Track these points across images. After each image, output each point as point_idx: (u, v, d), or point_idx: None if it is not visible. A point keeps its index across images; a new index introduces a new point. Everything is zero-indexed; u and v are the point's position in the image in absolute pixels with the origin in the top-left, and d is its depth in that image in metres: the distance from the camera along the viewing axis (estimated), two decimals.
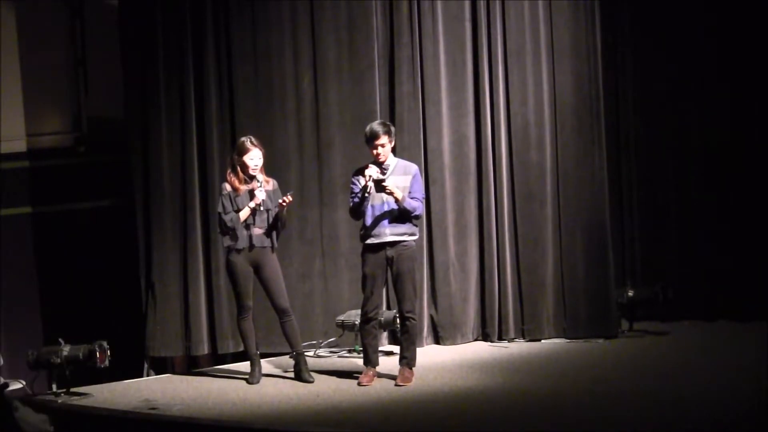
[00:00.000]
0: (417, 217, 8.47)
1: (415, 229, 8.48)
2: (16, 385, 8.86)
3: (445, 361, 9.27)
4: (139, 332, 10.18)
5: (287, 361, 9.04)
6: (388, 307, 9.65)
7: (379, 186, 8.24)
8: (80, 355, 8.60)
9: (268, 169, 8.87)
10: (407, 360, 8.46)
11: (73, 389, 8.60)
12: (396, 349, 9.00)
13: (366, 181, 8.27)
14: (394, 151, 8.60)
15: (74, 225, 11.23)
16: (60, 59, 11.39)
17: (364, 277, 8.45)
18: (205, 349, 10.07)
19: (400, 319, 8.55)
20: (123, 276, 10.65)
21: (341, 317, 9.59)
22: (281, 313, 8.64)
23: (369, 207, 8.36)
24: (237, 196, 8.56)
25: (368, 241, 8.40)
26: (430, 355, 9.54)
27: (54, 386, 8.64)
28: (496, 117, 10.06)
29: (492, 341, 10.01)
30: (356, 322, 9.03)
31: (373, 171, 8.30)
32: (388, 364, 8.80)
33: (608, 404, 7.60)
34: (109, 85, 10.88)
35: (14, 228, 11.10)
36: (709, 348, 9.43)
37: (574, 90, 10.02)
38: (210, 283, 10.07)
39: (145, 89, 10.19)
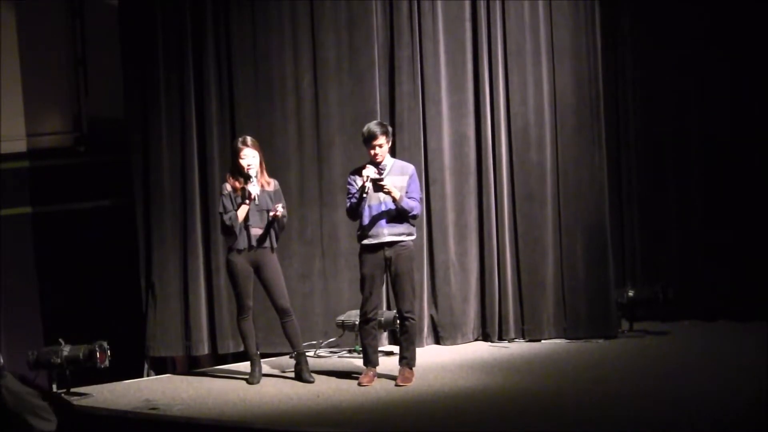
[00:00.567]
0: (414, 217, 8.48)
1: (413, 229, 8.48)
2: None
3: (445, 361, 9.27)
4: (139, 332, 10.17)
5: (287, 361, 9.04)
6: (388, 308, 9.65)
7: (378, 186, 8.24)
8: (80, 355, 8.60)
9: (268, 169, 8.87)
10: (407, 360, 8.47)
11: (73, 389, 8.61)
12: (396, 349, 9.00)
13: (364, 182, 8.28)
14: (393, 151, 8.60)
15: (74, 225, 11.22)
16: (60, 59, 11.37)
17: (363, 278, 8.45)
18: (205, 349, 10.07)
19: (399, 319, 8.56)
20: (123, 276, 10.65)
21: (341, 317, 9.59)
22: (282, 313, 8.64)
23: (366, 207, 8.36)
24: (237, 196, 8.56)
25: (366, 242, 8.41)
26: (430, 355, 9.54)
27: (54, 386, 8.65)
28: (496, 117, 10.06)
29: (492, 341, 10.01)
30: (356, 323, 9.03)
31: (370, 171, 8.31)
32: (388, 364, 8.81)
33: (608, 404, 7.60)
34: (109, 85, 10.88)
35: (14, 228, 11.10)
36: (709, 348, 9.43)
37: (574, 90, 10.02)
38: (210, 283, 10.07)
39: (145, 89, 10.19)
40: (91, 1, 11.40)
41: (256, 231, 8.56)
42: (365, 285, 8.43)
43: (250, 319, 8.73)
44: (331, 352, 9.75)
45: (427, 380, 8.51)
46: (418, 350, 8.69)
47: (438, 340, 10.04)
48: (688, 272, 10.53)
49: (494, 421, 7.33)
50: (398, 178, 8.39)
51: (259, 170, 8.60)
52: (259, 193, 8.50)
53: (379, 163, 8.40)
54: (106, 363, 8.64)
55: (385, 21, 10.07)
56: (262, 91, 10.13)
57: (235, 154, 8.58)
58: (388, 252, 8.37)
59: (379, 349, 8.96)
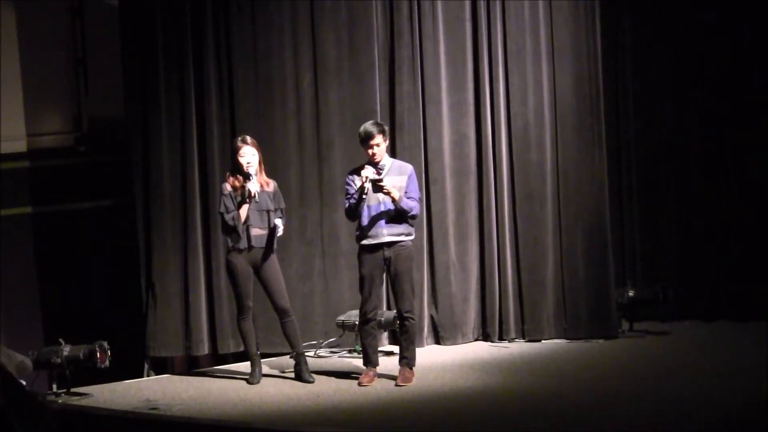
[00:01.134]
0: (414, 217, 8.48)
1: (412, 230, 8.48)
2: None
3: (445, 361, 9.27)
4: (139, 332, 10.18)
5: (287, 361, 9.04)
6: (388, 308, 9.65)
7: (377, 186, 8.23)
8: (80, 355, 8.61)
9: (268, 169, 8.87)
10: (407, 360, 8.47)
11: (73, 389, 8.62)
12: (396, 349, 9.00)
13: (363, 182, 8.27)
14: (393, 151, 8.60)
15: (74, 225, 11.22)
16: (60, 59, 11.38)
17: (362, 279, 8.45)
18: (205, 349, 10.07)
19: (399, 320, 8.56)
20: (123, 276, 10.65)
21: (341, 317, 9.59)
22: (281, 313, 8.64)
23: (365, 207, 8.36)
24: (237, 195, 8.56)
25: (365, 242, 8.41)
26: (430, 355, 9.54)
27: (54, 386, 8.65)
28: (496, 117, 10.06)
29: (492, 341, 10.01)
30: (356, 323, 9.03)
31: (369, 172, 8.31)
32: (388, 364, 8.81)
33: (608, 404, 7.60)
34: (109, 85, 10.88)
35: (14, 228, 11.10)
36: (709, 348, 9.43)
37: (574, 90, 10.02)
38: (210, 283, 10.07)
39: (145, 89, 10.19)
40: (91, 1, 11.41)
41: (256, 231, 8.56)
42: (364, 285, 8.43)
43: (250, 320, 8.73)
44: (331, 352, 9.75)
45: (427, 380, 8.51)
46: (418, 350, 8.70)
47: (438, 340, 10.05)
48: (688, 272, 10.53)
49: (494, 421, 7.33)
50: (397, 178, 8.39)
51: (258, 169, 8.60)
52: (259, 191, 8.50)
53: (378, 162, 8.40)
54: (106, 363, 8.64)
55: (385, 21, 10.07)
56: (262, 91, 10.13)
57: (235, 153, 8.59)
58: (387, 252, 8.37)
59: (379, 349, 8.97)
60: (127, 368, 9.54)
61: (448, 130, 10.07)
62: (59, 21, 11.38)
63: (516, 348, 9.77)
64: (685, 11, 10.56)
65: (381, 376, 8.56)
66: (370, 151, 8.38)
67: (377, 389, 8.33)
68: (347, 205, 8.47)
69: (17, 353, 8.38)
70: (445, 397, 8.04)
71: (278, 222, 8.52)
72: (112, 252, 11.00)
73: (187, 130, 10.12)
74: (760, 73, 10.28)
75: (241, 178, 8.56)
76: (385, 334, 9.85)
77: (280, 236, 8.66)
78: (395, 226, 8.37)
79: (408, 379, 8.41)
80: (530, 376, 8.66)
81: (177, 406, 8.06)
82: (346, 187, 8.49)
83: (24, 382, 8.77)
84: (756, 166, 10.31)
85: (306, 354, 8.89)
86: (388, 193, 8.26)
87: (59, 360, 8.59)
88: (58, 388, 8.62)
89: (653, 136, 10.77)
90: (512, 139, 10.10)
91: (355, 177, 8.39)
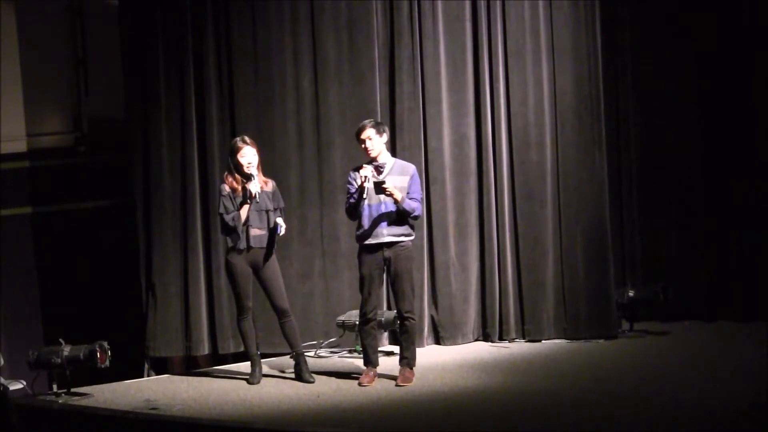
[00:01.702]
0: (416, 218, 8.48)
1: (412, 230, 8.47)
2: (16, 386, 8.86)
3: (445, 361, 9.27)
4: (139, 332, 10.18)
5: (287, 361, 9.04)
6: (388, 308, 9.65)
7: (379, 187, 8.22)
8: (81, 355, 8.60)
9: (268, 169, 8.88)
10: (407, 360, 8.47)
11: (73, 389, 8.61)
12: (396, 349, 9.00)
13: (362, 182, 8.27)
14: (393, 151, 8.59)
15: (74, 225, 11.23)
16: (60, 59, 11.39)
17: (362, 279, 8.45)
18: (205, 349, 10.07)
19: (399, 320, 8.55)
20: (123, 276, 10.66)
21: (341, 317, 9.59)
22: (281, 313, 8.64)
23: (365, 207, 8.36)
24: (236, 196, 8.55)
25: (365, 242, 8.40)
26: (430, 355, 9.54)
27: (54, 386, 8.65)
28: (496, 117, 10.06)
29: (492, 341, 10.01)
30: (356, 323, 9.03)
31: (368, 171, 8.30)
32: (389, 364, 8.81)
33: (608, 404, 7.60)
34: (109, 85, 10.89)
35: (14, 228, 11.11)
36: (709, 348, 9.43)
37: (574, 90, 10.01)
38: (210, 283, 10.07)
39: (145, 89, 10.20)
40: (91, 1, 11.42)
41: (256, 231, 8.55)
42: (364, 285, 8.43)
43: (250, 320, 8.73)
44: (331, 352, 9.75)
45: (427, 380, 8.51)
46: (418, 350, 8.70)
47: (438, 340, 10.04)
48: (688, 272, 10.52)
49: (494, 421, 7.33)
50: (399, 178, 8.38)
51: (257, 169, 8.60)
52: (259, 191, 8.50)
53: (374, 158, 8.39)
54: (107, 363, 8.64)
55: (385, 21, 10.07)
56: (262, 91, 10.13)
57: (235, 153, 8.57)
58: (387, 252, 8.37)
59: (380, 349, 8.96)
60: (127, 368, 9.54)
61: (448, 130, 10.07)
62: (59, 21, 11.39)
63: (516, 348, 9.77)
64: (685, 11, 10.55)
65: (381, 376, 8.56)
66: (362, 146, 8.39)
67: (377, 389, 8.33)
68: (347, 203, 8.47)
69: None
70: (445, 397, 8.04)
71: (280, 221, 8.51)
72: (112, 252, 11.00)
73: (187, 130, 10.12)
74: (760, 73, 10.27)
75: (239, 178, 8.55)
76: (386, 334, 9.85)
77: (281, 236, 8.66)
78: (395, 226, 8.36)
79: (408, 379, 8.40)
80: (530, 376, 8.65)
81: (177, 406, 8.05)
82: (348, 185, 8.48)
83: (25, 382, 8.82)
84: (756, 166, 10.31)
85: (306, 354, 8.89)
86: (390, 194, 8.26)
87: (59, 360, 8.59)
88: (58, 388, 8.61)
89: (653, 136, 10.77)
90: (512, 139, 10.09)
91: (357, 175, 8.38)
